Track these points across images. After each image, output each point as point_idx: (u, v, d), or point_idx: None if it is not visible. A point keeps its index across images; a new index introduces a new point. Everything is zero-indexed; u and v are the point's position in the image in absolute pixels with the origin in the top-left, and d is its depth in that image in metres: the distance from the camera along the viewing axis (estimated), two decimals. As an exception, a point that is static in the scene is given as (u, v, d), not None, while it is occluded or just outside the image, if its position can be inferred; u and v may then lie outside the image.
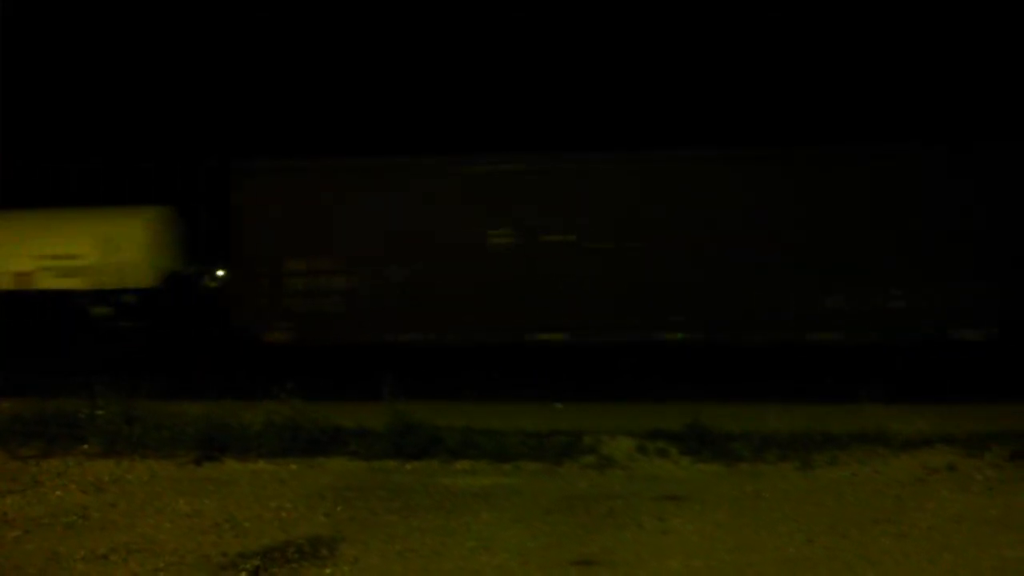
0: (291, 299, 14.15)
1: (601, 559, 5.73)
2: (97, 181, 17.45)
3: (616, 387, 12.54)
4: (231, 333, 14.26)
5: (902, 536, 6.14)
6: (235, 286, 14.63)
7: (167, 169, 17.54)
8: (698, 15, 21.28)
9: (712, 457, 8.48)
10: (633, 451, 8.72)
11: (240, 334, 14.18)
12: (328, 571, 5.54)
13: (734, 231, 13.61)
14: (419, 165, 14.53)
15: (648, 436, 9.02)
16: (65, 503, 7.18)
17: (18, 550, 5.99)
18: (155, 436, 8.97)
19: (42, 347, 14.87)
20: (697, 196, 13.80)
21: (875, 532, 6.23)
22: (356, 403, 10.12)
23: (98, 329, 15.33)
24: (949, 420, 9.38)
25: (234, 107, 22.09)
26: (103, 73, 23.00)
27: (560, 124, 20.17)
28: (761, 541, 6.07)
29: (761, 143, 15.36)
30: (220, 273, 16.54)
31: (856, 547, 5.91)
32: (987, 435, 8.83)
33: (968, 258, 13.19)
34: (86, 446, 8.97)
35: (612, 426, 9.41)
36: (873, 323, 13.32)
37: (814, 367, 12.60)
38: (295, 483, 7.78)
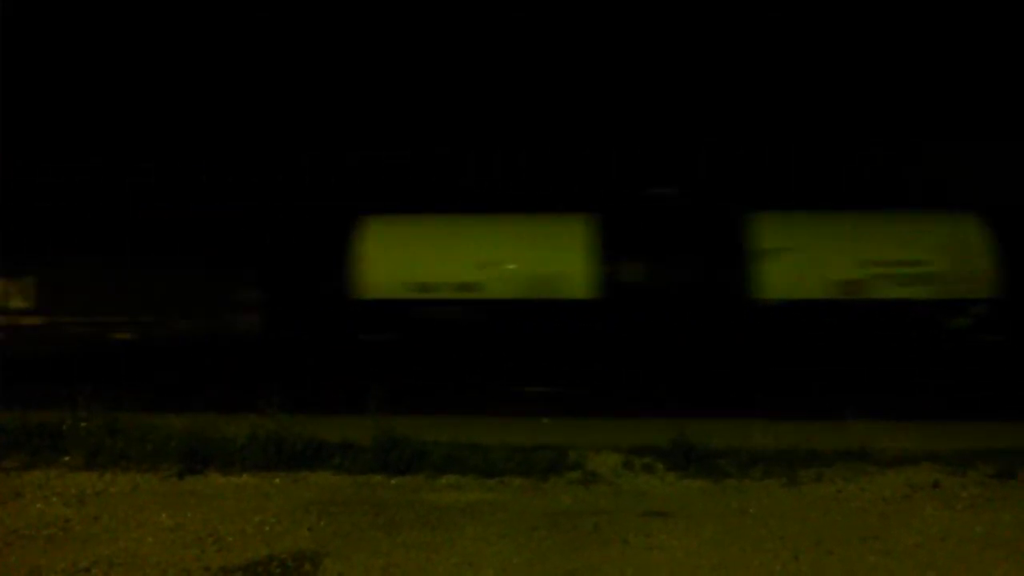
0: None
1: (586, 575, 5.72)
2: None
3: (603, 402, 12.53)
4: None
5: (887, 553, 6.15)
6: None
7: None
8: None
9: (698, 473, 8.47)
10: (619, 467, 8.71)
11: None
12: (311, 586, 5.51)
13: None
14: None
15: (634, 452, 9.01)
16: (47, 516, 7.11)
17: (-2, 563, 5.94)
18: (138, 449, 8.89)
19: (870, 360, 13.49)
20: None
21: (861, 549, 6.24)
22: (341, 417, 10.07)
23: (954, 344, 13.69)
24: (934, 437, 9.41)
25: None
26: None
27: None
28: (747, 558, 6.07)
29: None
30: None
31: (842, 564, 5.93)
32: (972, 453, 8.86)
33: None
34: (68, 458, 8.89)
35: (598, 441, 9.41)
36: None
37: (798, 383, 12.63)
38: (279, 497, 7.73)
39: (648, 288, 14.04)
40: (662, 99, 18.60)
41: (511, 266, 13.97)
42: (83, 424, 9.34)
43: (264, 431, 8.92)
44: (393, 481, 8.31)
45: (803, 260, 13.66)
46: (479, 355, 13.91)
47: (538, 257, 14.06)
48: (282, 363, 13.83)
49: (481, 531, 6.72)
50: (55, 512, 7.23)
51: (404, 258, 14.29)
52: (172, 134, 17.26)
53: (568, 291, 13.93)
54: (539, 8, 19.05)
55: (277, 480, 8.32)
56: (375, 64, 19.25)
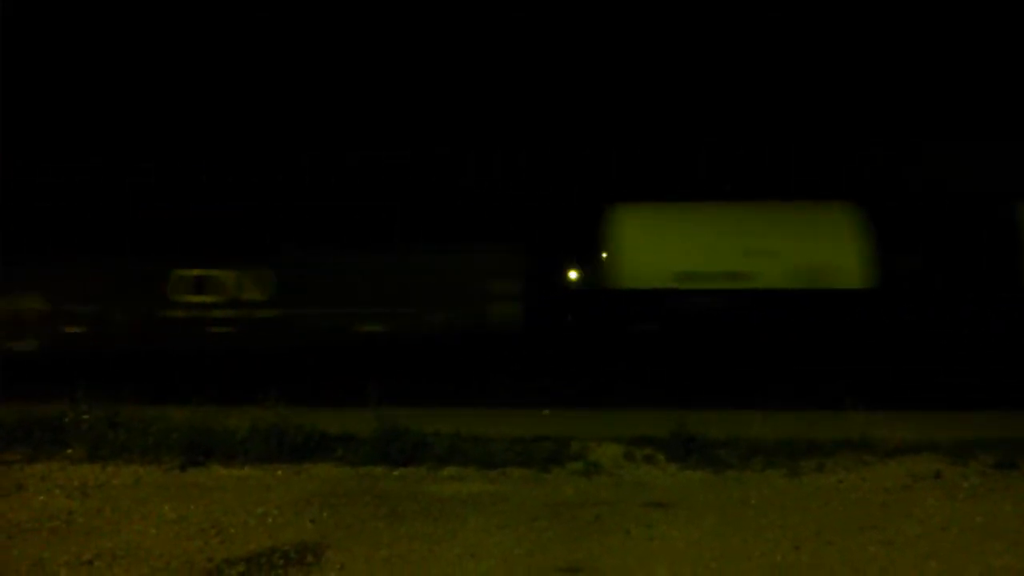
0: None
1: (587, 566, 5.73)
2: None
3: (604, 393, 12.53)
4: None
5: (888, 543, 6.15)
6: None
7: None
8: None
9: (699, 464, 8.48)
10: (620, 458, 8.73)
11: None
12: (314, 577, 5.52)
13: None
14: None
15: (635, 443, 9.03)
16: (50, 508, 7.12)
17: (2, 555, 5.94)
18: (140, 441, 8.91)
19: None
20: None
21: (862, 539, 6.25)
22: (343, 409, 10.08)
23: None
24: (933, 427, 9.42)
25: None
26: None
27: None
28: (748, 548, 6.08)
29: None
30: None
31: (842, 554, 5.93)
32: (972, 443, 8.86)
33: None
34: (70, 451, 8.91)
35: (599, 432, 9.43)
36: None
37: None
38: (281, 489, 7.74)
39: (921, 277, 13.97)
40: (931, 89, 18.59)
41: (782, 255, 13.85)
42: (84, 417, 9.35)
43: (265, 423, 8.94)
44: (395, 472, 8.32)
45: None
46: (745, 345, 13.82)
47: (809, 246, 13.94)
48: (535, 354, 13.83)
49: (483, 522, 6.73)
50: (58, 504, 7.24)
51: (665, 247, 14.15)
52: (436, 129, 17.19)
53: (840, 280, 13.83)
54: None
55: (279, 472, 8.33)
56: (653, 57, 19.03)
